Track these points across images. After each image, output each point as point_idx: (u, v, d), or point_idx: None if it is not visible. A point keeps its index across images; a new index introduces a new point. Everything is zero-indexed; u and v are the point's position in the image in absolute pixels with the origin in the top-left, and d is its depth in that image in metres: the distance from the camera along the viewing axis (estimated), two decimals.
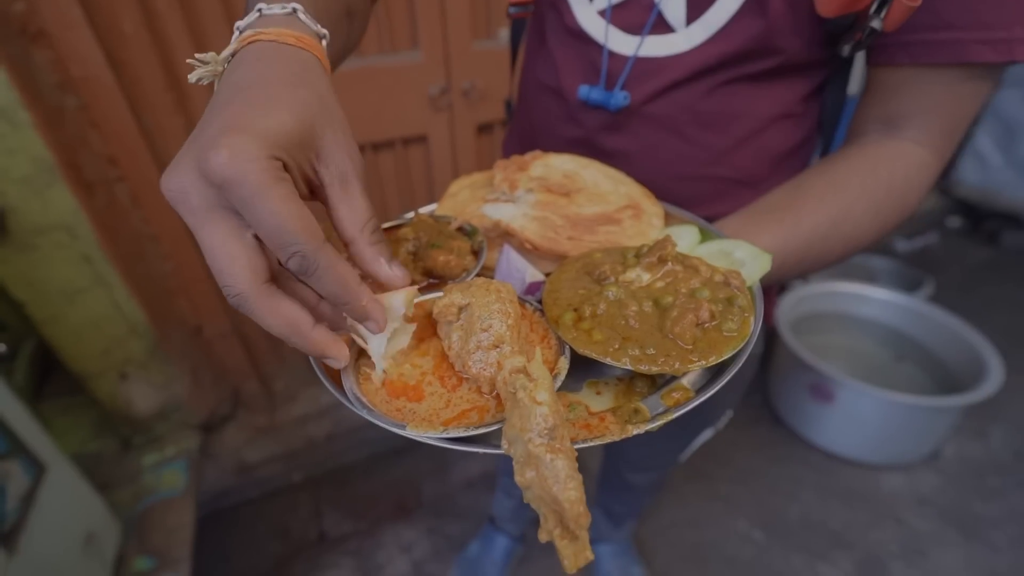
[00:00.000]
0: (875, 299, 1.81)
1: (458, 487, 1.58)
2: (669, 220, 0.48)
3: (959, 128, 0.48)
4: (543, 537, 0.28)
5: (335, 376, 0.36)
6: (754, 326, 0.36)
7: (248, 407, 1.52)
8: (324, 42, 0.35)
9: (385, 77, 1.29)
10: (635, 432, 0.32)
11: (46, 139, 0.91)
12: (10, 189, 0.91)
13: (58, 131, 0.95)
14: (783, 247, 0.44)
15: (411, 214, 0.46)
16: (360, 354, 0.37)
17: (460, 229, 0.46)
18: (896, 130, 0.49)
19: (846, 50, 0.45)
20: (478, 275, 0.42)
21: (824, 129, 0.56)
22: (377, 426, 0.32)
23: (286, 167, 0.27)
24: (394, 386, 0.35)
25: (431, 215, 0.47)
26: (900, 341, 1.75)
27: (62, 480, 0.89)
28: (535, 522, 1.38)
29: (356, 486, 1.59)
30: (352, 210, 0.30)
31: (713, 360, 0.34)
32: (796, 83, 0.51)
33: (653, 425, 0.33)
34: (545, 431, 0.28)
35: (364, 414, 0.32)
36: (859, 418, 1.47)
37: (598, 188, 0.48)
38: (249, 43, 0.32)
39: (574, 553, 0.28)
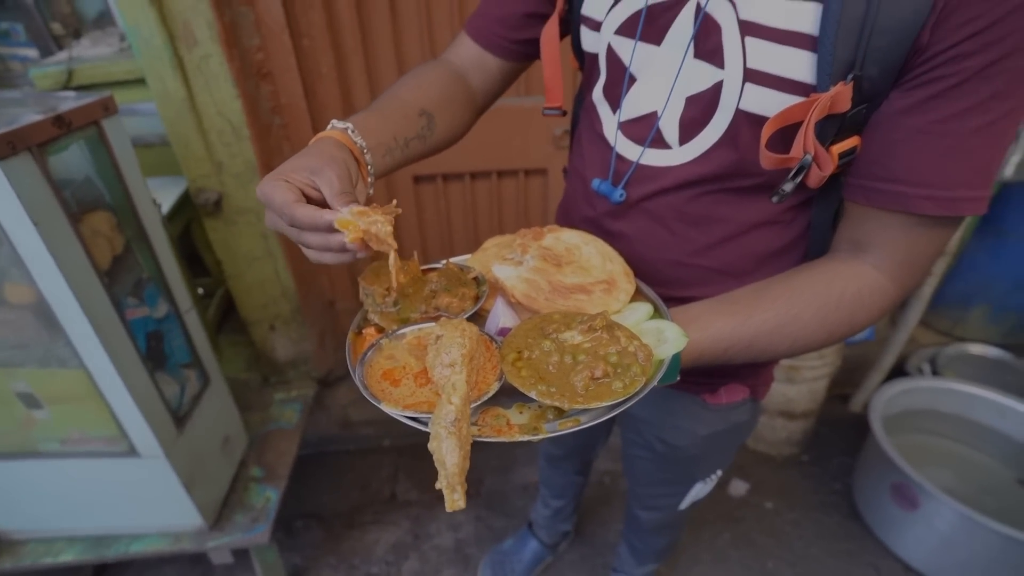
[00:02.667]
0: (1013, 410, 1.58)
1: (514, 488, 1.73)
2: (637, 296, 0.59)
3: (920, 262, 0.52)
4: (437, 485, 0.43)
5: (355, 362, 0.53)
6: (640, 389, 0.46)
7: None
8: (360, 143, 0.54)
9: (517, 116, 1.49)
10: (521, 438, 0.45)
11: (256, 148, 1.26)
12: (228, 180, 1.28)
13: (264, 142, 1.30)
14: (730, 336, 0.52)
15: (444, 262, 0.61)
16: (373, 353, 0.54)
17: (475, 278, 0.60)
18: (861, 253, 0.54)
19: (789, 187, 0.51)
20: (473, 315, 0.56)
21: (812, 235, 0.61)
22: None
23: (290, 182, 0.46)
24: (387, 374, 0.52)
25: (459, 264, 0.61)
26: None
27: (219, 392, 1.22)
28: (566, 535, 1.48)
29: (430, 463, 1.80)
30: (331, 193, 0.46)
31: (594, 405, 0.45)
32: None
33: (537, 437, 0.45)
34: (449, 422, 0.43)
35: (362, 390, 0.48)
36: (945, 536, 1.32)
37: (588, 263, 0.59)
38: (317, 138, 0.52)
39: (449, 499, 0.42)
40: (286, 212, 0.45)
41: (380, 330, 0.55)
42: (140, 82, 1.19)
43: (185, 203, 1.32)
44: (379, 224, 0.46)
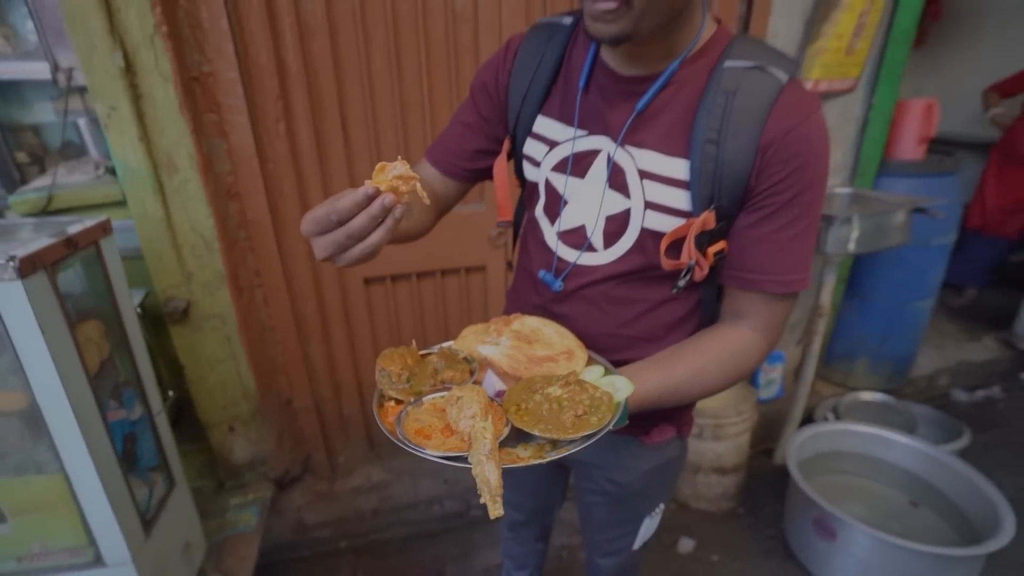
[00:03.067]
0: (897, 443, 1.85)
1: (476, 573, 1.74)
2: (590, 361, 0.75)
3: (778, 323, 0.73)
4: (482, 501, 0.54)
5: (389, 426, 0.64)
6: (609, 422, 0.61)
7: (314, 473, 1.85)
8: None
9: (458, 221, 1.72)
10: (534, 462, 0.59)
11: (224, 259, 1.39)
12: (197, 289, 1.38)
13: (231, 253, 1.43)
14: (658, 386, 0.69)
15: (438, 347, 0.76)
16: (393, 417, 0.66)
17: (464, 358, 0.74)
18: (739, 319, 0.74)
19: (683, 282, 0.73)
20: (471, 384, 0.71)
21: (703, 307, 0.82)
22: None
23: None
24: (420, 432, 0.63)
25: (449, 349, 0.76)
26: (921, 488, 1.75)
27: (182, 496, 1.23)
28: None
29: (391, 560, 1.80)
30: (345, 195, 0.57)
31: (580, 434, 0.60)
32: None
33: (544, 459, 0.59)
34: (487, 451, 0.57)
35: (405, 445, 0.59)
36: (863, 560, 1.50)
37: (550, 340, 0.76)
38: None
39: (492, 508, 0.54)
40: (333, 208, 0.53)
41: (398, 403, 0.67)
42: (117, 204, 1.32)
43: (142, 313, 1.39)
44: (398, 167, 0.56)
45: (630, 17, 0.58)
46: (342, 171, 1.60)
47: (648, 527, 1.01)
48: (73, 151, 1.70)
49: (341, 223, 0.54)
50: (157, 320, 1.46)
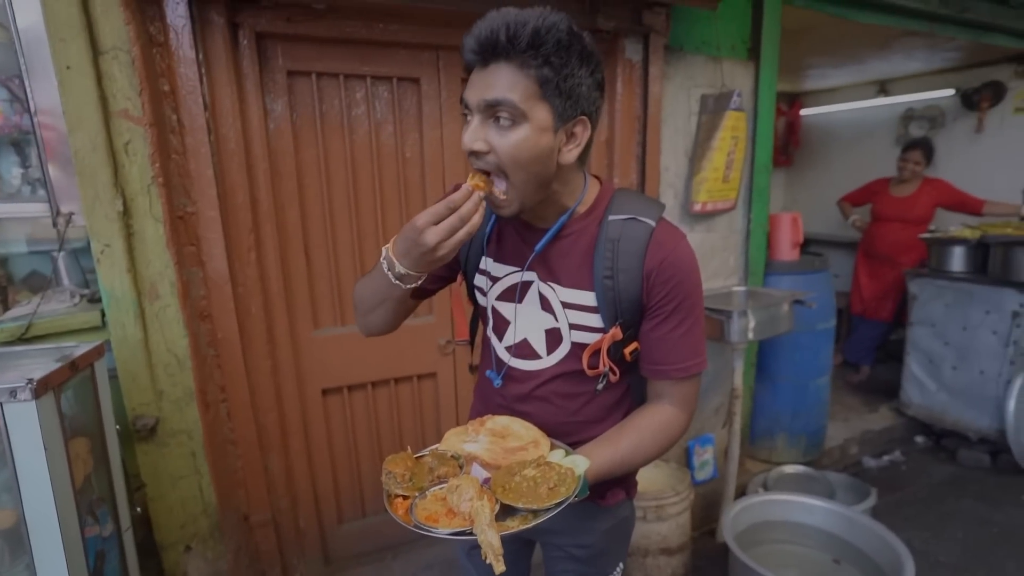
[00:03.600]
0: (817, 507, 2.06)
1: None
2: (553, 446, 0.92)
3: (690, 399, 0.92)
4: (487, 561, 0.69)
5: (403, 517, 0.78)
6: (575, 491, 0.77)
7: None
8: None
9: (409, 331, 1.90)
10: (523, 527, 0.74)
11: (195, 375, 1.49)
12: (166, 406, 1.46)
13: (201, 370, 1.53)
14: (609, 460, 0.86)
15: (429, 449, 0.91)
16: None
17: (452, 456, 0.89)
18: (661, 399, 0.93)
19: (601, 385, 0.94)
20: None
21: (632, 391, 1.01)
22: None
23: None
24: (428, 518, 0.77)
25: (438, 450, 0.91)
26: (841, 546, 1.95)
27: None
28: None
29: None
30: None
31: (554, 502, 0.76)
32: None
33: (529, 525, 0.74)
34: (488, 522, 0.72)
35: (421, 531, 0.74)
36: None
37: (519, 433, 0.93)
38: None
39: (497, 566, 0.69)
40: (450, 199, 0.76)
41: (404, 498, 0.81)
42: (91, 330, 1.42)
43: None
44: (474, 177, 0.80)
45: (514, 203, 0.82)
46: (304, 291, 1.78)
47: None
48: (40, 281, 1.80)
49: (453, 211, 0.75)
50: (123, 440, 1.49)
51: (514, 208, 0.82)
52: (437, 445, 0.93)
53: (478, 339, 1.15)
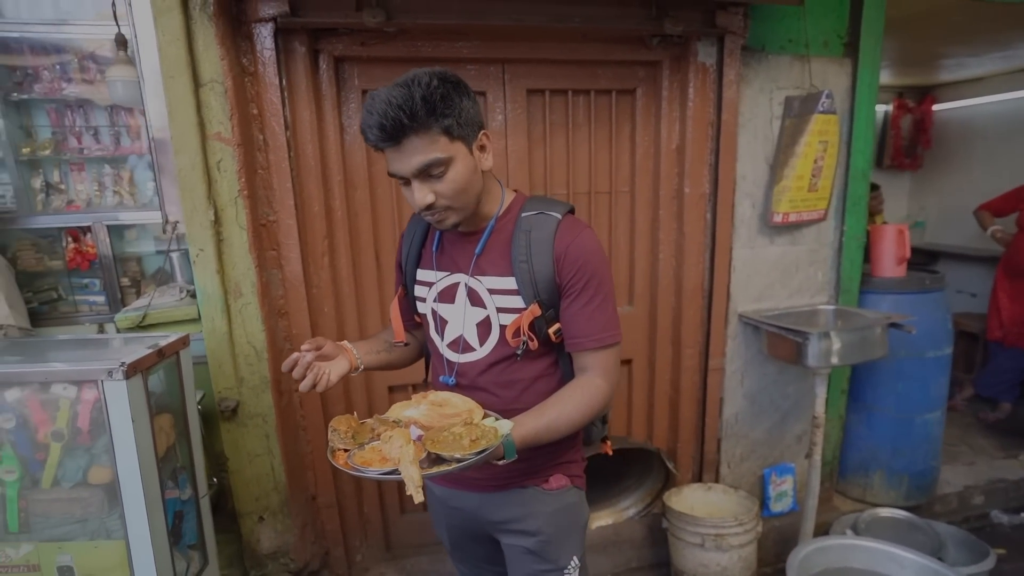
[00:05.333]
0: (910, 560, 1.81)
1: None
2: (486, 416, 0.96)
3: (611, 369, 1.01)
4: (408, 492, 0.77)
5: (343, 464, 0.87)
6: (490, 447, 0.82)
7: (331, 569, 1.96)
8: (356, 354, 1.03)
9: None
10: (444, 470, 0.80)
11: (270, 366, 1.68)
12: (246, 392, 1.66)
13: (277, 362, 1.72)
14: (535, 426, 0.92)
15: (374, 417, 0.99)
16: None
17: (394, 421, 0.97)
18: (585, 372, 1.01)
19: (520, 350, 1.00)
20: None
21: (565, 378, 1.06)
22: None
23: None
24: (364, 462, 0.85)
25: (381, 416, 0.99)
26: None
27: (213, 575, 1.40)
28: None
29: None
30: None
31: (472, 452, 0.81)
32: (541, 361, 1.05)
33: (450, 469, 0.80)
34: (410, 459, 0.79)
35: (353, 472, 0.83)
36: None
37: (456, 404, 0.99)
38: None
39: (416, 495, 0.76)
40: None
41: (346, 451, 0.89)
42: (191, 321, 1.65)
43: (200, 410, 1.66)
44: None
45: (454, 214, 0.96)
46: (373, 294, 1.92)
47: None
48: (164, 276, 2.12)
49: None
50: (209, 419, 1.72)
51: (453, 221, 0.98)
52: (385, 414, 1.02)
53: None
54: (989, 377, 3.28)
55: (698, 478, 2.28)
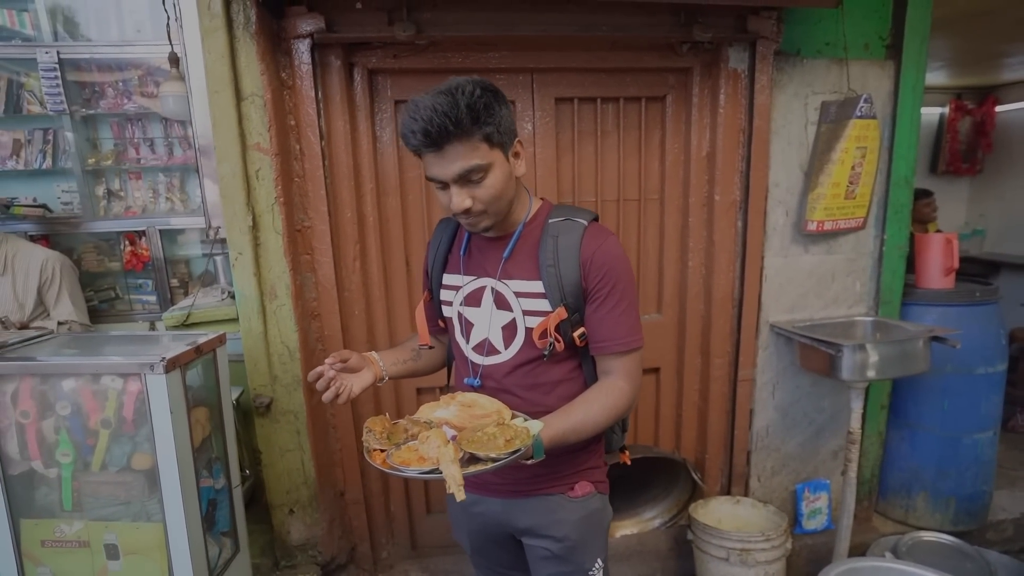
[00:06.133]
0: None
1: None
2: (514, 416, 0.98)
3: (634, 373, 1.03)
4: (449, 490, 0.79)
5: (381, 463, 0.91)
6: (524, 447, 0.84)
7: (358, 564, 2.03)
8: (381, 365, 1.08)
9: None
10: (481, 469, 0.83)
11: (303, 366, 1.76)
12: (279, 389, 1.74)
13: (309, 361, 1.80)
14: (562, 426, 0.94)
15: (404, 418, 1.02)
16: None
17: (425, 422, 0.99)
18: (608, 375, 1.03)
19: (547, 351, 1.00)
20: None
21: (588, 380, 1.07)
22: None
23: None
24: (402, 462, 0.88)
25: (412, 418, 1.02)
26: None
27: (243, 564, 1.48)
28: None
29: None
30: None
31: (507, 452, 0.84)
32: (565, 364, 1.06)
33: (487, 468, 0.83)
34: (451, 458, 0.81)
35: (393, 472, 0.87)
36: None
37: (485, 405, 1.01)
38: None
39: (458, 494, 0.78)
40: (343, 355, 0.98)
41: (381, 451, 0.93)
42: (230, 320, 1.75)
43: (236, 406, 1.76)
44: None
45: (488, 219, 1.00)
46: (403, 298, 1.98)
47: None
48: (208, 278, 2.25)
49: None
50: (246, 415, 1.82)
51: (488, 224, 1.01)
52: (416, 415, 1.05)
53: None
54: None
55: (727, 491, 2.23)
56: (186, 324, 1.68)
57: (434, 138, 0.89)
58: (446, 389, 1.30)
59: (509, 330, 1.07)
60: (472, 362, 1.12)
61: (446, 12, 1.69)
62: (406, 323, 2.01)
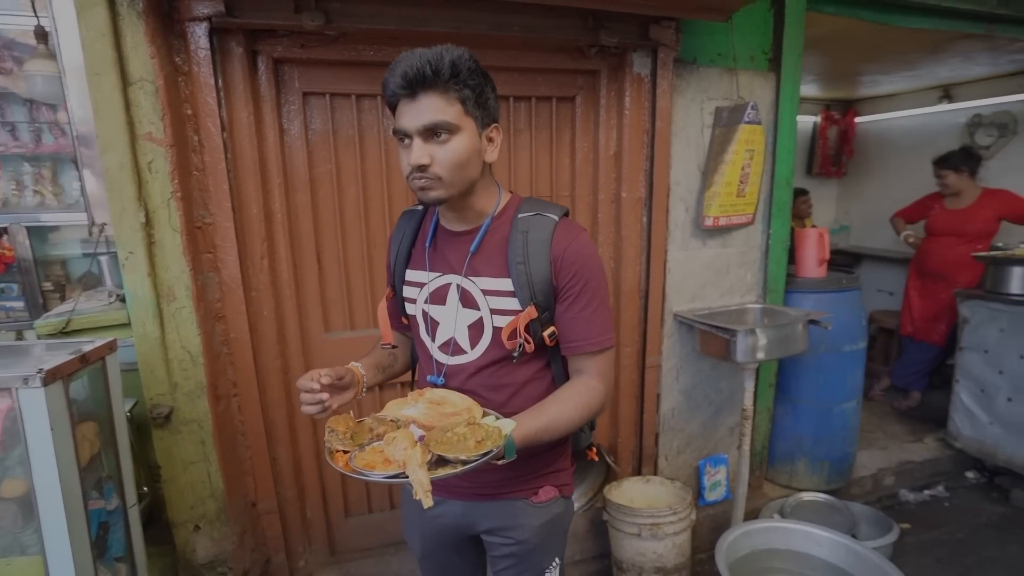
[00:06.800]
0: (825, 538, 1.96)
1: None
2: (486, 413, 0.98)
3: (607, 372, 1.02)
4: (416, 497, 0.77)
5: (344, 466, 0.87)
6: (496, 448, 0.83)
7: None
8: (359, 366, 1.04)
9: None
10: (451, 472, 0.81)
11: (207, 371, 1.64)
12: (180, 398, 1.62)
13: (213, 367, 1.69)
14: (535, 425, 0.93)
15: (370, 416, 0.99)
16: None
17: (391, 420, 0.97)
18: (581, 374, 1.03)
19: (516, 353, 1.00)
20: None
21: (556, 380, 1.08)
22: None
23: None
24: (366, 465, 0.85)
25: (378, 415, 0.99)
26: None
27: None
28: None
29: None
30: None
31: (479, 454, 0.82)
32: (532, 365, 1.06)
33: (460, 470, 0.81)
34: (419, 463, 0.79)
35: (358, 476, 0.83)
36: None
37: (455, 402, 0.99)
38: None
39: (426, 500, 0.76)
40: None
41: (344, 452, 0.90)
42: (120, 326, 1.60)
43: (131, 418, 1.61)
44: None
45: (442, 188, 0.94)
46: (315, 296, 1.91)
47: None
48: (92, 280, 2.03)
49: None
50: (142, 427, 1.67)
51: (440, 193, 0.94)
52: (378, 413, 1.02)
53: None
54: (902, 368, 3.56)
55: (638, 471, 2.37)
56: (65, 331, 1.51)
57: (411, 81, 0.87)
58: (411, 386, 1.28)
59: (476, 329, 1.04)
60: (437, 361, 1.09)
61: (357, 4, 1.64)
62: (318, 323, 1.94)
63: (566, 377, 1.08)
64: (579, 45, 1.93)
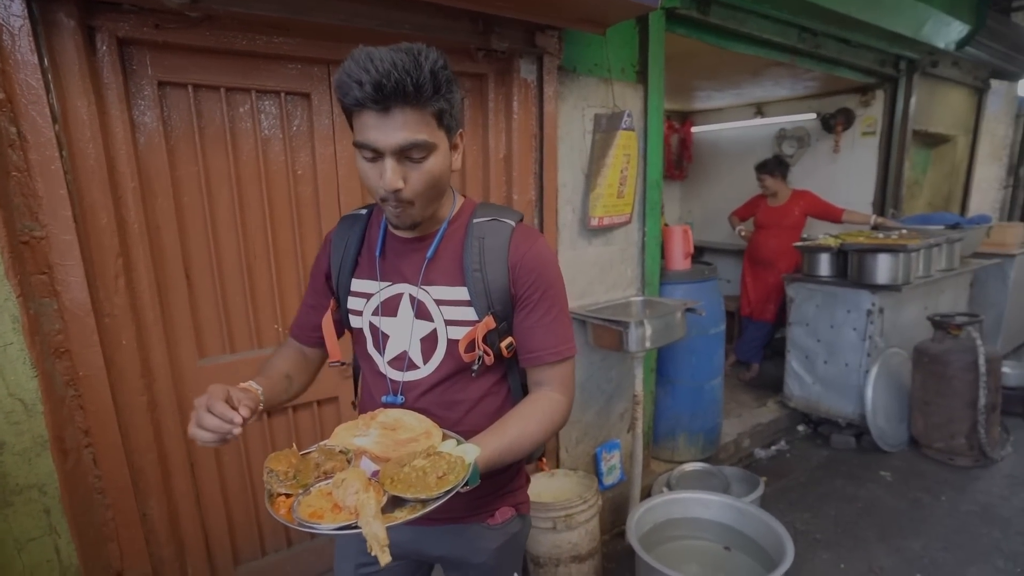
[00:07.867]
0: (711, 501, 2.20)
1: None
2: (445, 436, 0.90)
3: (567, 383, 0.99)
4: (372, 553, 0.67)
5: (285, 516, 0.75)
6: (459, 483, 0.76)
7: None
8: (259, 389, 0.89)
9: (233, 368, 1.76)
10: (410, 517, 0.72)
11: (49, 421, 1.32)
12: (9, 460, 1.27)
13: (57, 414, 1.36)
14: (498, 447, 0.86)
15: (316, 446, 0.88)
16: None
17: (340, 451, 0.85)
18: (541, 387, 0.98)
19: (476, 366, 0.95)
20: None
21: (513, 394, 1.04)
22: None
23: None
24: (313, 515, 0.73)
25: (326, 446, 0.87)
26: (734, 536, 2.09)
27: None
28: None
29: None
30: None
31: (443, 490, 0.74)
32: (488, 378, 1.01)
33: (418, 514, 0.73)
34: (373, 513, 0.68)
35: (304, 529, 0.71)
36: None
37: (410, 424, 0.90)
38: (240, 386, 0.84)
39: (383, 557, 0.66)
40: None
41: (288, 496, 0.77)
42: None
43: None
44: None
45: (415, 212, 0.89)
46: (186, 319, 1.65)
47: None
48: None
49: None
50: None
51: (413, 217, 0.90)
52: (326, 441, 0.90)
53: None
54: (743, 345, 4.13)
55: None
56: None
57: (387, 94, 0.77)
58: (353, 406, 1.17)
59: (429, 343, 0.97)
60: (391, 379, 0.99)
61: None
62: (191, 349, 1.68)
63: (523, 390, 1.05)
64: (468, 48, 1.93)
